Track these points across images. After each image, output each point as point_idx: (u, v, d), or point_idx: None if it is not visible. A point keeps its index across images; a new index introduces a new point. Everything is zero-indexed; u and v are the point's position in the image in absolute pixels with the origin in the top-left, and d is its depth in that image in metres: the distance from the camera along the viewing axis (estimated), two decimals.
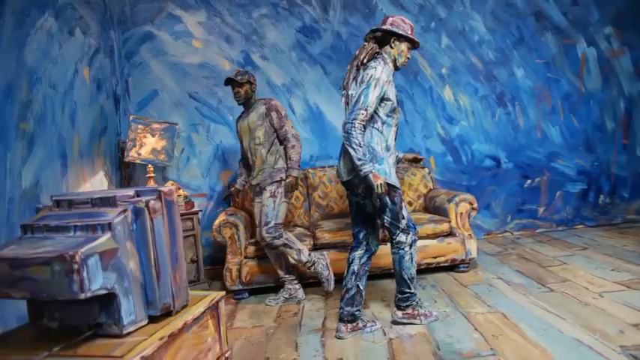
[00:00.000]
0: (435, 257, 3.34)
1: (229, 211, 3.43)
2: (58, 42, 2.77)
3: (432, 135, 4.44)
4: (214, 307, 1.50)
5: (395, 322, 2.51)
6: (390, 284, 3.20)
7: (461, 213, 3.47)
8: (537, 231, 4.57)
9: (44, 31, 2.59)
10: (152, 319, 1.30)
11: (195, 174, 4.14)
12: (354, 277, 2.46)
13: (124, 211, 1.25)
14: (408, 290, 2.46)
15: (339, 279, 2.88)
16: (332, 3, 4.28)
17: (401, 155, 2.74)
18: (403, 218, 2.38)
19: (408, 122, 4.37)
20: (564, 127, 4.58)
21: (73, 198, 1.33)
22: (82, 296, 1.08)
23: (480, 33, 4.46)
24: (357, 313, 2.44)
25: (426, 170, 4.15)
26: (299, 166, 3.02)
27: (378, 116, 2.33)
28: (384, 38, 2.41)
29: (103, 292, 1.15)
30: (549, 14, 4.52)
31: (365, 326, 2.45)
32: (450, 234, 3.41)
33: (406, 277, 2.43)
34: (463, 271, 3.39)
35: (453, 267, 3.42)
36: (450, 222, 3.43)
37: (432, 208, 3.79)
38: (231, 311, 2.96)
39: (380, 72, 2.26)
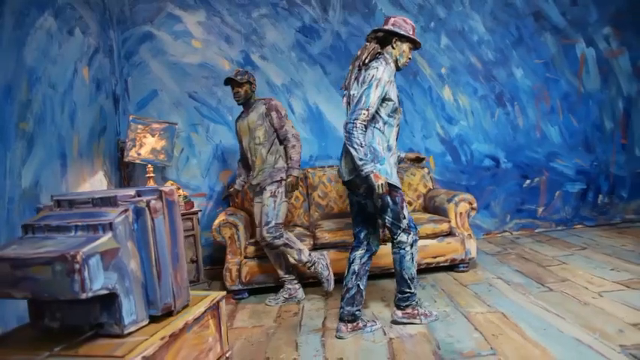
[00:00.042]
0: (435, 257, 3.35)
1: (229, 211, 3.43)
2: (58, 42, 2.76)
3: (431, 135, 4.44)
4: (215, 307, 1.50)
5: (395, 322, 2.51)
6: (390, 284, 3.20)
7: (460, 213, 3.47)
8: (536, 231, 4.57)
9: (44, 30, 2.58)
10: (153, 319, 1.30)
11: (194, 174, 4.13)
12: (354, 276, 2.46)
13: (125, 210, 1.25)
14: (408, 290, 2.46)
15: (339, 279, 2.88)
16: (331, 3, 4.28)
17: (403, 155, 2.74)
18: (404, 218, 2.39)
19: (407, 122, 4.37)
20: (563, 127, 4.59)
21: (74, 198, 1.33)
22: (84, 296, 1.08)
23: (480, 33, 4.46)
24: (357, 312, 2.44)
25: (426, 170, 4.15)
26: (299, 165, 3.02)
27: (380, 116, 2.34)
28: (385, 38, 2.42)
29: (104, 292, 1.15)
30: (548, 14, 4.53)
31: (365, 326, 2.45)
32: (450, 234, 3.41)
33: (407, 276, 2.43)
34: (463, 271, 3.40)
35: (452, 267, 3.43)
36: (449, 222, 3.43)
37: (432, 207, 3.80)
38: (231, 311, 2.96)
39: (381, 72, 2.27)
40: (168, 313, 1.33)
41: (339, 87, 4.21)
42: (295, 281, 3.09)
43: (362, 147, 2.20)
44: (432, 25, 4.40)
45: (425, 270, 3.38)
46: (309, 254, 2.96)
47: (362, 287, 2.46)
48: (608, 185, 4.66)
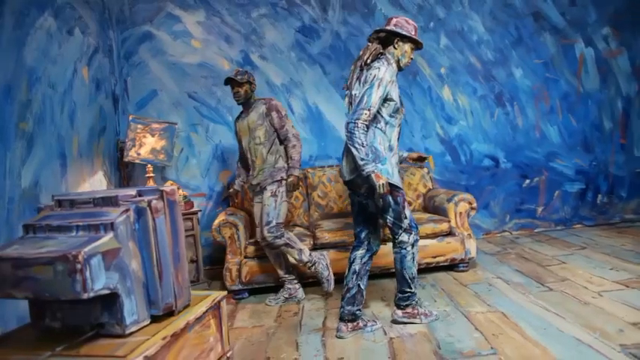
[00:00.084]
0: (435, 257, 3.35)
1: (229, 210, 3.42)
2: (57, 42, 2.76)
3: (430, 135, 4.45)
4: (216, 307, 1.50)
5: (395, 322, 2.52)
6: (390, 284, 3.20)
7: (460, 213, 3.47)
8: (536, 230, 4.58)
9: (43, 30, 2.58)
10: (154, 319, 1.30)
11: (194, 174, 4.13)
12: (355, 276, 2.46)
13: (127, 210, 1.25)
14: (408, 290, 2.47)
15: (339, 279, 2.88)
16: (331, 3, 4.28)
17: (405, 155, 2.75)
18: (406, 218, 2.39)
19: (407, 122, 4.37)
20: (563, 127, 4.60)
21: (75, 198, 1.33)
22: (85, 296, 1.08)
23: (479, 33, 4.47)
24: (357, 312, 2.44)
25: (425, 170, 4.15)
26: (300, 165, 3.02)
27: (381, 116, 2.34)
28: (387, 39, 2.42)
29: (106, 291, 1.14)
30: (547, 14, 4.54)
31: (365, 325, 2.45)
32: (450, 233, 3.41)
33: (407, 276, 2.44)
34: (462, 271, 3.40)
35: (452, 266, 3.43)
36: (449, 222, 3.43)
37: (432, 207, 3.80)
38: (231, 311, 2.96)
39: (383, 72, 2.27)
40: (170, 313, 1.33)
41: (339, 87, 4.21)
42: (295, 281, 3.09)
43: (363, 147, 2.20)
44: (431, 25, 4.40)
45: (425, 270, 3.38)
46: (310, 254, 2.96)
47: (362, 287, 2.46)
48: (608, 185, 4.67)
